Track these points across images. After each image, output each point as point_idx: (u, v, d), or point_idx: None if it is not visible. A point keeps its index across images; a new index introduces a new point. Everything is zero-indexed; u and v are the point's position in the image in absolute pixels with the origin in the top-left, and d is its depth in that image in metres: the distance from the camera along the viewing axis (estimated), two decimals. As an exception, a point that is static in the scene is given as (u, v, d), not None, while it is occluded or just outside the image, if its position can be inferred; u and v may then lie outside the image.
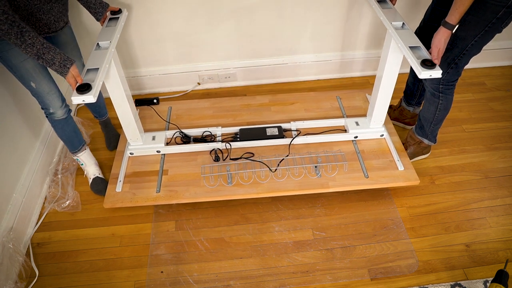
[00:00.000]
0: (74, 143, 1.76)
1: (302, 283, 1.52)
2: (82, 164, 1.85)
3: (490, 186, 1.79)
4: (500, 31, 1.43)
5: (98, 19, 1.64)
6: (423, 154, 1.88)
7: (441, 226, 1.66)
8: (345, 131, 1.93)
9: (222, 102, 2.17)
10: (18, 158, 1.75)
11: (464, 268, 1.53)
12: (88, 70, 1.39)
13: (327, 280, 1.52)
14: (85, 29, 2.04)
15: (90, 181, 1.85)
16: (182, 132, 1.94)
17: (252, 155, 1.84)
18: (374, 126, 1.88)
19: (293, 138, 1.87)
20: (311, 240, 1.64)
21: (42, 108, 1.61)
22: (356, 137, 1.89)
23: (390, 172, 1.75)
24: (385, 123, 1.92)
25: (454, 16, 1.32)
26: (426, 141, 1.82)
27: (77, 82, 1.34)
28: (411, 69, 1.90)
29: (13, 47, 1.39)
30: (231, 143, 1.87)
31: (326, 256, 1.59)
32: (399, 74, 1.64)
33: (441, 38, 1.36)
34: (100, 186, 1.84)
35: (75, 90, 1.30)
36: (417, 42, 1.43)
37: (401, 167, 1.75)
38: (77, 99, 1.29)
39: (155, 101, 2.17)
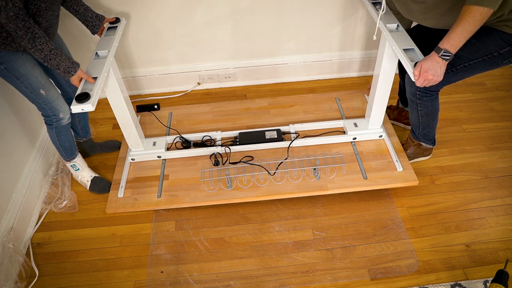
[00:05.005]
0: (72, 148, 1.76)
1: (302, 283, 1.52)
2: (78, 170, 1.83)
3: (490, 186, 1.79)
4: (500, 66, 1.41)
5: (94, 33, 1.63)
6: (424, 156, 1.88)
7: (441, 226, 1.66)
8: (344, 132, 1.93)
9: (222, 106, 2.18)
10: (18, 158, 1.75)
11: (464, 268, 1.53)
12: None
13: (327, 280, 1.52)
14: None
15: (89, 183, 1.84)
16: (182, 137, 1.95)
17: (251, 158, 1.85)
18: (372, 127, 1.88)
19: (292, 141, 1.87)
20: (311, 240, 1.64)
21: (49, 116, 1.58)
22: (354, 138, 1.89)
23: (389, 173, 1.75)
24: (384, 124, 1.92)
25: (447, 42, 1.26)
26: (424, 144, 1.81)
27: (80, 81, 1.39)
28: (400, 70, 1.89)
29: (20, 57, 1.39)
30: (230, 147, 1.88)
31: (326, 256, 1.59)
32: (396, 74, 1.64)
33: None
34: (101, 184, 1.84)
35: (74, 100, 1.31)
36: (411, 44, 1.42)
37: (399, 168, 1.75)
38: (76, 108, 1.30)
39: (155, 106, 2.18)
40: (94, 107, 1.31)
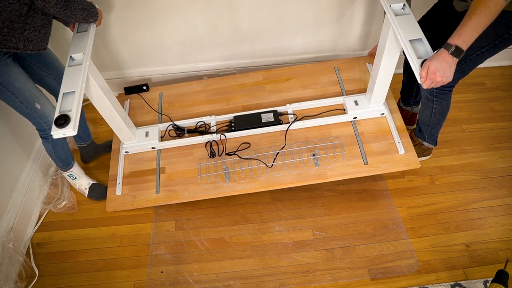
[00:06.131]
0: (68, 158, 1.72)
1: (302, 283, 1.52)
2: (75, 178, 1.79)
3: (490, 186, 1.79)
4: (509, 46, 1.36)
5: (67, 25, 1.54)
6: (424, 156, 1.88)
7: (441, 226, 1.66)
8: (344, 110, 1.82)
9: (214, 84, 2.04)
10: (18, 158, 1.75)
11: (464, 268, 1.53)
12: (65, 94, 1.28)
13: (327, 280, 1.52)
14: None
15: (87, 191, 1.81)
16: (175, 125, 1.86)
17: (248, 145, 1.78)
18: (374, 105, 1.77)
19: (290, 125, 1.77)
20: (311, 240, 1.64)
21: (45, 130, 1.52)
22: (355, 118, 1.78)
23: (390, 156, 1.68)
24: (386, 98, 1.79)
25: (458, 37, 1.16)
26: (426, 144, 1.81)
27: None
28: (405, 68, 1.85)
29: (13, 69, 1.34)
30: (226, 134, 1.79)
31: (326, 256, 1.59)
32: (394, 74, 1.60)
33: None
34: (99, 190, 1.81)
35: (53, 124, 1.21)
36: (418, 33, 1.27)
37: (401, 151, 1.68)
38: (58, 134, 1.20)
39: (144, 87, 2.03)
40: (76, 130, 1.21)
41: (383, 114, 1.79)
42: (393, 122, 1.76)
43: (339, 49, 2.25)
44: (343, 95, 1.88)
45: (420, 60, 1.22)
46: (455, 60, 1.18)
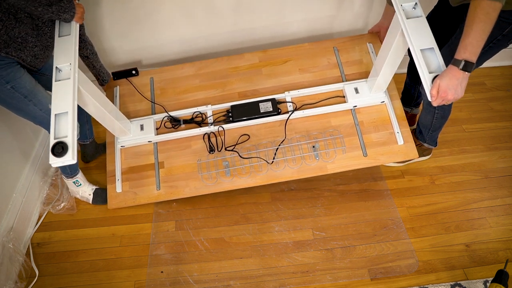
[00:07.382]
0: (77, 164, 1.70)
1: (302, 283, 1.52)
2: (79, 185, 1.77)
3: (490, 186, 1.79)
4: (506, 47, 1.34)
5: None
6: (424, 156, 1.88)
7: (441, 226, 1.66)
8: (343, 97, 1.78)
9: (207, 67, 1.92)
10: (19, 157, 1.75)
11: (464, 268, 1.53)
12: (57, 115, 1.20)
13: (327, 280, 1.52)
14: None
15: (91, 197, 1.79)
16: (170, 116, 1.78)
17: (248, 137, 1.74)
18: (375, 94, 1.73)
19: (289, 116, 1.73)
20: (311, 240, 1.64)
21: None
22: (355, 106, 1.74)
23: (389, 147, 1.66)
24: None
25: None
26: (426, 145, 1.82)
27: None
28: (408, 69, 1.85)
29: (24, 73, 1.33)
30: (224, 126, 1.73)
31: (326, 256, 1.59)
32: (397, 74, 1.60)
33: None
34: (103, 194, 1.78)
35: (51, 153, 1.14)
36: (430, 40, 1.22)
37: (400, 141, 1.66)
38: (57, 163, 1.13)
39: (134, 72, 1.89)
40: (75, 158, 1.14)
41: (383, 102, 1.75)
42: (393, 111, 1.72)
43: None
44: (343, 81, 1.82)
45: (432, 75, 1.18)
46: (467, 75, 1.15)
